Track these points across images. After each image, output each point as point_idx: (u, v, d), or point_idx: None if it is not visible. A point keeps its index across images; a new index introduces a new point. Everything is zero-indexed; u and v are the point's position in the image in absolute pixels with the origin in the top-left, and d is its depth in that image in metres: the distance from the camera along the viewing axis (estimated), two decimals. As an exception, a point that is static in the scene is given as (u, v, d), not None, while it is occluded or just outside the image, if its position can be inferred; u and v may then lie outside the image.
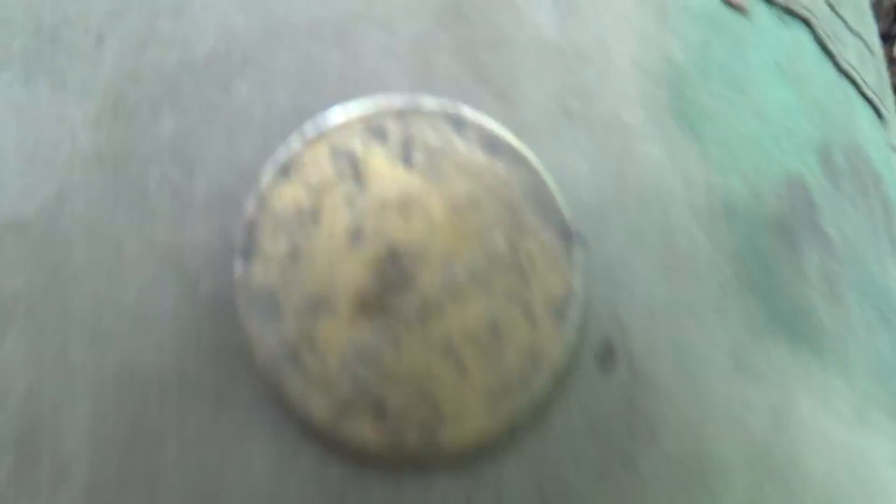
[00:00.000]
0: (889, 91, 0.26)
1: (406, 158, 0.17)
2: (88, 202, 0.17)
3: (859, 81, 0.23)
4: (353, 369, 0.16)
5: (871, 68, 0.24)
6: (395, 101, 0.17)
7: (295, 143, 0.17)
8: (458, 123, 0.17)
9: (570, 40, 0.18)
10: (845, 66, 0.23)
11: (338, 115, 0.17)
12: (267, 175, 0.17)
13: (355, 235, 0.16)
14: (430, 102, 0.17)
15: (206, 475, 0.16)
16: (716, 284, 0.18)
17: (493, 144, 0.17)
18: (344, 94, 0.17)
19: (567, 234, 0.17)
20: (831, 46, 0.23)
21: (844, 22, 0.24)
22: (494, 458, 0.16)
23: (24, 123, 0.18)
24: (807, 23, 0.22)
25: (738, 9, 0.21)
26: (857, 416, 0.18)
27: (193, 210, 0.17)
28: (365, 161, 0.17)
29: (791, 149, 0.20)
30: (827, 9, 0.23)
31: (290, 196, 0.16)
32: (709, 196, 0.19)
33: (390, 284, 0.16)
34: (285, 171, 0.17)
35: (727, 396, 0.17)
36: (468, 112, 0.17)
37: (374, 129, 0.17)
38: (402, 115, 0.17)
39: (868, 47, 0.25)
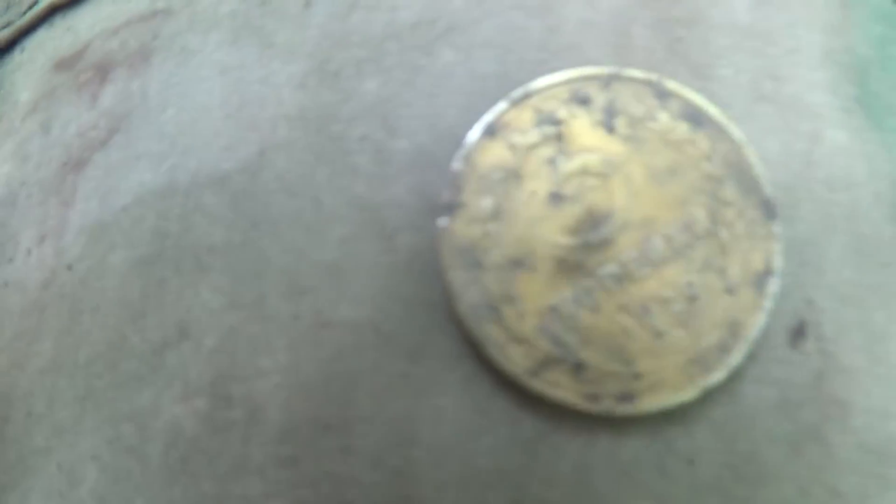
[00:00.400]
0: None
1: (608, 125, 0.17)
2: (290, 159, 0.18)
3: None
4: (550, 326, 0.16)
5: None
6: (600, 69, 0.18)
7: (501, 105, 0.17)
8: (662, 94, 0.17)
9: (762, 24, 0.19)
10: None
11: (543, 80, 0.17)
12: (474, 134, 0.17)
13: (556, 197, 0.17)
14: (633, 72, 0.17)
15: (399, 423, 0.16)
16: (901, 272, 0.18)
17: (695, 116, 0.17)
18: (545, 63, 0.18)
19: (769, 209, 0.17)
20: None
21: None
22: (687, 424, 0.16)
23: (229, 83, 0.19)
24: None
25: (915, 7, 0.21)
26: None
27: (394, 168, 0.17)
28: (568, 124, 0.17)
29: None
30: None
31: (495, 155, 0.17)
32: (892, 186, 0.19)
33: (589, 246, 0.17)
34: (491, 131, 0.17)
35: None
36: (671, 83, 0.17)
37: (578, 94, 0.17)
38: (606, 82, 0.17)
39: None
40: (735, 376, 0.17)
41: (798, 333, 0.17)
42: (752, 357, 0.17)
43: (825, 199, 0.18)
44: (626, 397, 0.16)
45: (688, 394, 0.16)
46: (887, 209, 0.19)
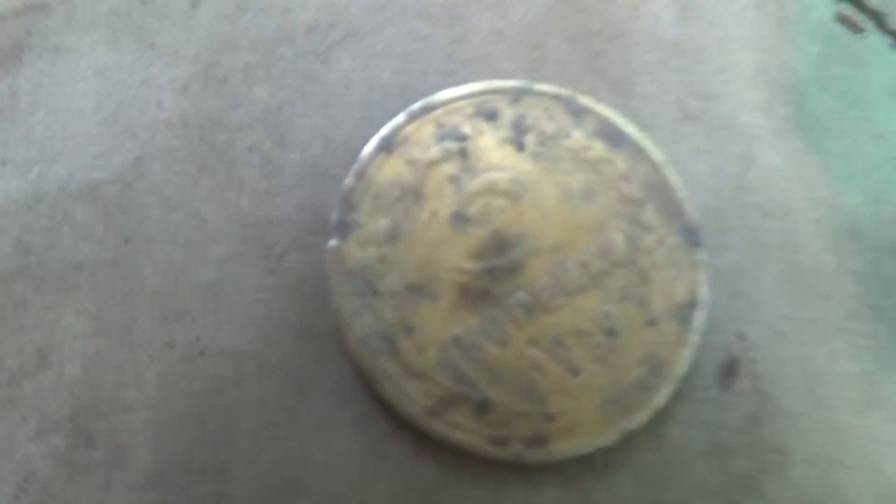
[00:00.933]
0: None
1: (517, 141, 0.16)
2: (169, 169, 0.16)
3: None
4: (453, 360, 0.15)
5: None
6: (509, 83, 0.16)
7: (400, 117, 0.16)
8: (576, 110, 0.16)
9: (690, 40, 0.18)
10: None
11: (446, 92, 0.16)
12: (370, 148, 0.16)
13: (460, 218, 0.15)
14: (545, 86, 0.16)
15: (283, 466, 0.15)
16: (841, 305, 0.17)
17: (613, 135, 0.16)
18: (451, 74, 0.17)
19: (693, 235, 0.16)
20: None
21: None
22: (607, 472, 0.15)
23: (106, 85, 0.17)
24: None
25: (853, 27, 0.21)
26: None
27: (283, 182, 0.16)
28: (473, 140, 0.16)
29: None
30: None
31: (392, 172, 0.16)
32: (833, 213, 0.18)
33: (496, 272, 0.15)
34: (388, 145, 0.16)
35: (858, 431, 0.16)
36: (586, 99, 0.16)
37: (485, 109, 0.16)
38: (515, 96, 0.16)
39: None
40: (660, 419, 0.15)
41: (730, 371, 0.16)
42: (678, 397, 0.15)
43: (759, 227, 0.17)
44: (538, 441, 0.15)
45: (607, 437, 0.15)
46: (828, 238, 0.18)
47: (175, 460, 0.15)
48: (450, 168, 0.17)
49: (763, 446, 0.16)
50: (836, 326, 0.18)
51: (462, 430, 0.15)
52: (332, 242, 0.16)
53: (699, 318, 0.16)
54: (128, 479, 0.15)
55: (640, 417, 0.16)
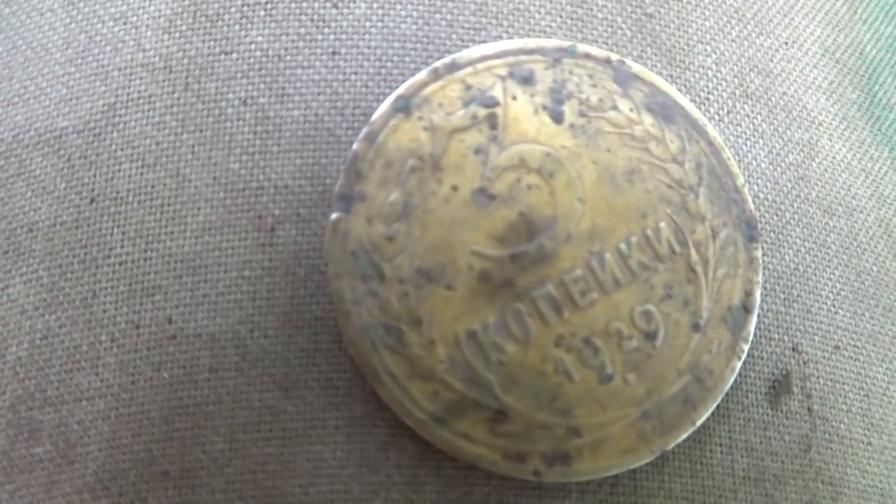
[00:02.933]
0: None
1: (555, 111, 0.15)
2: (147, 120, 0.15)
3: None
4: (466, 358, 0.14)
5: None
6: (548, 42, 0.15)
7: (421, 75, 0.15)
8: (624, 78, 0.15)
9: (754, 7, 0.17)
10: None
11: (476, 49, 0.15)
12: (382, 109, 0.15)
13: (484, 195, 0.14)
14: (590, 49, 0.15)
15: (261, 475, 0.13)
16: (907, 320, 0.16)
17: (665, 109, 0.15)
18: (481, 29, 0.16)
19: (751, 230, 0.15)
20: None
21: None
22: (637, 495, 0.14)
23: (76, 19, 0.16)
24: None
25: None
26: None
27: (281, 143, 0.15)
28: (505, 107, 0.15)
29: None
30: None
31: (408, 138, 0.15)
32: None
33: (522, 260, 0.14)
34: (406, 107, 0.15)
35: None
36: (637, 67, 0.15)
37: (520, 71, 0.15)
38: (555, 59, 0.15)
39: None
40: (700, 438, 0.14)
41: (781, 388, 0.15)
42: (723, 415, 0.14)
43: (819, 225, 0.16)
44: (560, 458, 0.14)
45: (640, 457, 0.14)
46: (894, 240, 0.17)
47: (133, 461, 0.14)
48: (475, 137, 0.15)
49: (813, 475, 0.15)
50: (898, 342, 0.17)
51: (472, 441, 0.14)
52: (334, 216, 0.15)
53: (751, 324, 0.15)
54: (75, 481, 0.14)
55: (679, 436, 0.15)
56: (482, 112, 0.16)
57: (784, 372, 0.16)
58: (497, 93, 0.16)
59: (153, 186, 0.15)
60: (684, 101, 0.16)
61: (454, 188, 0.15)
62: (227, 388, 0.14)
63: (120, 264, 0.15)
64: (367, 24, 0.16)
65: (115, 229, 0.15)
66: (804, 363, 0.16)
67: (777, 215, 0.16)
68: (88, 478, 0.14)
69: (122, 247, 0.15)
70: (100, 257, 0.15)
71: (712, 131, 0.16)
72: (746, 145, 0.17)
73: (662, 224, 0.15)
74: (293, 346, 0.15)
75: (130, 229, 0.15)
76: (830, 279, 0.16)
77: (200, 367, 0.14)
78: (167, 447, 0.14)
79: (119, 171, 0.16)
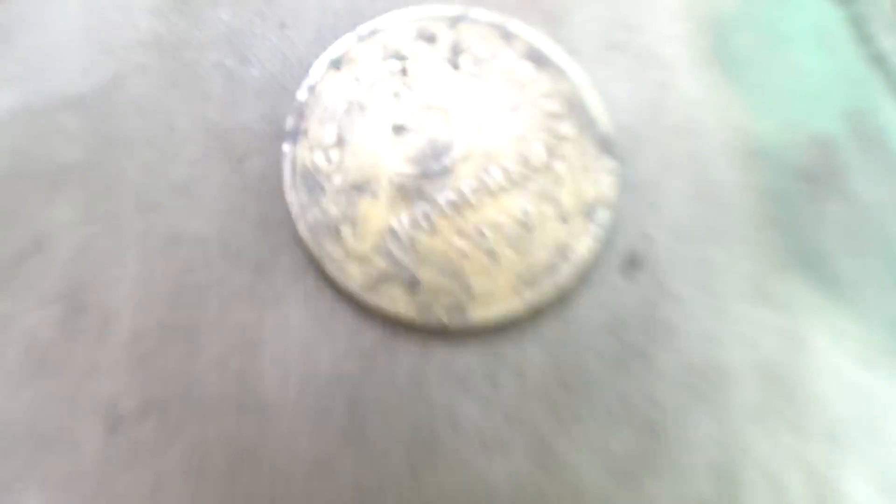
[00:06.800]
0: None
1: (453, 62, 0.23)
2: (144, 83, 0.24)
3: (892, 69, 0.29)
4: (388, 247, 0.22)
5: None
6: (449, 9, 0.24)
7: (349, 39, 0.23)
8: (507, 35, 0.24)
9: (615, -26, 0.25)
10: (881, 49, 0.30)
11: (391, 17, 0.24)
12: (320, 66, 0.23)
13: (399, 127, 0.23)
14: (480, 13, 0.24)
15: (244, 330, 0.22)
16: (742, 215, 0.24)
17: (539, 58, 0.23)
18: (395, 2, 0.24)
19: (604, 144, 0.23)
20: (869, 28, 0.30)
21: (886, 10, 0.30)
22: (519, 341, 0.22)
23: (89, 9, 0.24)
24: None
25: (783, -31, 0.28)
26: (869, 359, 0.24)
27: (245, 95, 0.23)
28: (414, 60, 0.23)
29: (822, 110, 0.27)
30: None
31: (340, 87, 0.23)
32: (742, 137, 0.25)
33: (429, 175, 0.22)
34: (337, 64, 0.23)
35: (744, 316, 0.23)
36: (517, 25, 0.24)
37: (425, 33, 0.23)
38: (453, 22, 0.24)
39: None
40: (566, 299, 0.22)
41: (631, 264, 0.23)
42: (582, 281, 0.23)
43: (669, 145, 0.24)
44: (459, 310, 0.22)
45: (517, 310, 0.22)
46: (735, 157, 0.25)
47: (154, 323, 0.23)
48: (392, 84, 0.24)
49: (655, 324, 0.24)
50: (737, 233, 0.25)
51: (395, 301, 0.22)
52: (286, 147, 0.24)
53: (604, 214, 0.23)
54: (115, 338, 0.23)
55: (547, 293, 0.23)
56: (397, 65, 0.24)
57: (634, 252, 0.24)
58: (408, 50, 0.24)
59: (153, 132, 0.24)
60: (556, 51, 0.24)
61: (376, 123, 0.24)
62: (216, 273, 0.23)
63: (133, 189, 0.24)
64: (308, 1, 0.25)
65: (128, 164, 0.24)
66: (652, 246, 0.24)
67: (634, 138, 0.25)
68: (124, 335, 0.23)
69: (134, 176, 0.24)
70: (118, 185, 0.24)
71: (576, 74, 0.24)
72: (611, 85, 0.25)
73: (537, 145, 0.24)
74: (262, 243, 0.23)
75: (139, 163, 0.24)
76: (678, 186, 0.25)
77: (196, 259, 0.23)
78: (176, 313, 0.23)
79: (127, 122, 0.24)
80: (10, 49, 0.25)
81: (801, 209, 0.25)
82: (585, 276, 0.23)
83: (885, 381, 0.24)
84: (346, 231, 0.22)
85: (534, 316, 0.22)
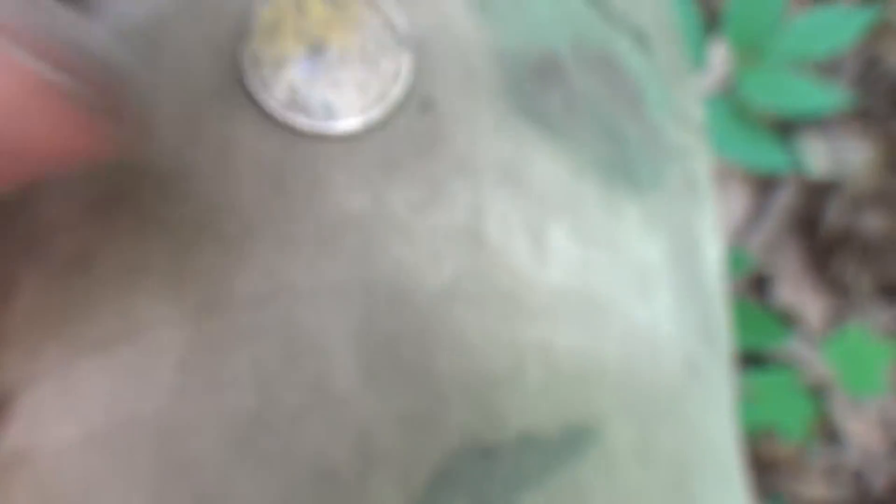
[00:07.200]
0: (677, 35, 0.50)
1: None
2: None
3: (616, 12, 0.45)
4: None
5: (646, 7, 0.47)
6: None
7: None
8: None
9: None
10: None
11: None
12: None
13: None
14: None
15: (213, 156, 0.38)
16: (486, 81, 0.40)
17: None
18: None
19: (398, 39, 0.40)
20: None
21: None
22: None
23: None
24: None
25: None
26: (576, 169, 0.40)
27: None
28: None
29: (550, 35, 0.43)
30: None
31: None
32: (483, 37, 0.41)
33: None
34: None
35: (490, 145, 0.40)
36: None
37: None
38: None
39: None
40: (377, 123, 0.38)
41: (427, 106, 0.40)
42: (388, 114, 0.39)
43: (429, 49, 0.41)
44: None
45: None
46: (483, 51, 0.41)
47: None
48: None
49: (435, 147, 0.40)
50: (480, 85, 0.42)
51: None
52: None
53: (404, 80, 0.40)
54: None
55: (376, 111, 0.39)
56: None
57: (430, 97, 0.40)
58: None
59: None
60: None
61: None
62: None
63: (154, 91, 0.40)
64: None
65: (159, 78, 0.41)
66: (437, 102, 0.40)
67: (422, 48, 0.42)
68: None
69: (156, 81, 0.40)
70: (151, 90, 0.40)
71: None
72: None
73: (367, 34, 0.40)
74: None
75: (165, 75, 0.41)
76: (452, 71, 0.41)
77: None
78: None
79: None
80: None
81: (531, 90, 0.41)
82: (391, 113, 0.39)
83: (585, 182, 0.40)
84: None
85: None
